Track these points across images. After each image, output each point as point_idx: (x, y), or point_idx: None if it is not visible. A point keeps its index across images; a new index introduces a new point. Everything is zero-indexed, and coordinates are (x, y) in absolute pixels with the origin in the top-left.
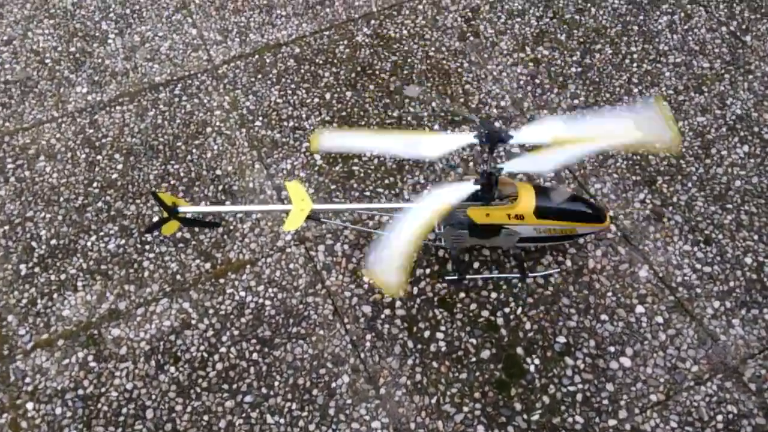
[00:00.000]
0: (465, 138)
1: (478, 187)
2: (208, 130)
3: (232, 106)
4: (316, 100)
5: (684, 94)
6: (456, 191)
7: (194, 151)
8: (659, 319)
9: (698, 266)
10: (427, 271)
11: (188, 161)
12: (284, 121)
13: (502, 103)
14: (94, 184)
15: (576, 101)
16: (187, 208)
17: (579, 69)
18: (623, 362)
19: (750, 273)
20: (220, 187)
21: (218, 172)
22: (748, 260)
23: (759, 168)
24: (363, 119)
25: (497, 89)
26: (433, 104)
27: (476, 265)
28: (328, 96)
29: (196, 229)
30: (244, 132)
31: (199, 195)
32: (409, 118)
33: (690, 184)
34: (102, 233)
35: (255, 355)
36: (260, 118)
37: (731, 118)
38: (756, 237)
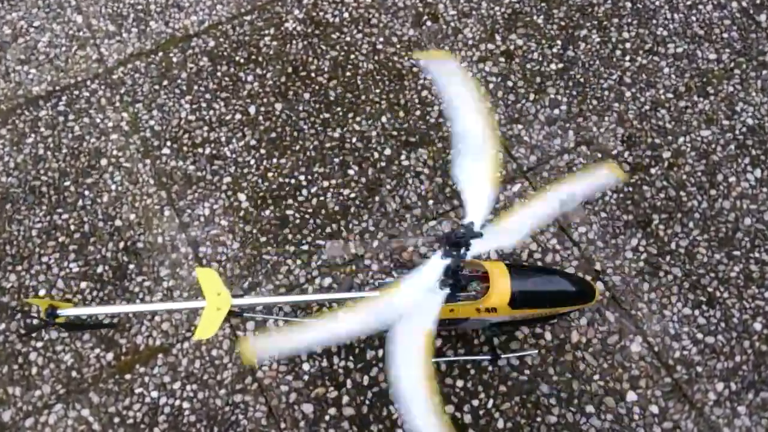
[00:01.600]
0: (434, 265)
1: (447, 291)
2: (103, 162)
3: (132, 127)
4: (238, 116)
5: (686, 97)
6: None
7: (86, 193)
8: (654, 409)
9: (699, 336)
10: (380, 352)
11: (79, 208)
12: (198, 147)
13: None
14: None
15: (557, 111)
16: (69, 311)
17: (560, 65)
18: None
19: (759, 343)
20: (121, 245)
21: (118, 222)
22: (758, 326)
23: None
24: (297, 142)
25: None
26: (383, 119)
27: (438, 343)
28: (252, 110)
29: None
30: (149, 164)
31: (95, 256)
32: (353, 140)
33: (691, 225)
34: None
35: None
36: (168, 144)
37: (741, 131)
38: (767, 294)
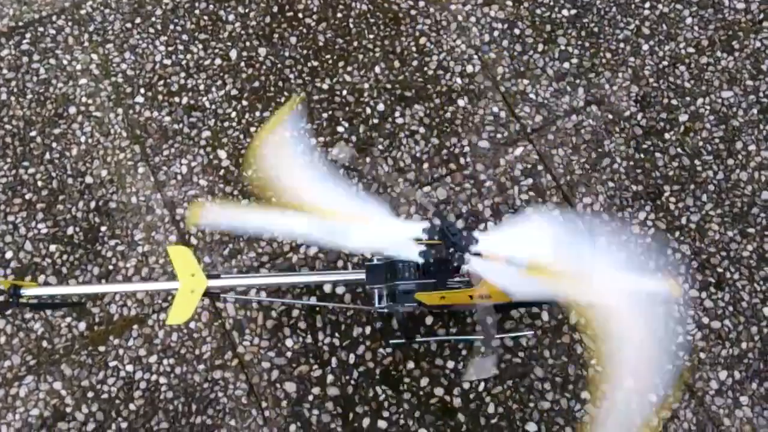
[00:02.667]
0: (409, 230)
1: (421, 260)
2: (72, 110)
3: (103, 71)
4: (218, 60)
5: (708, 53)
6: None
7: (54, 145)
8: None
9: (705, 320)
10: (367, 330)
11: (47, 162)
12: (175, 96)
13: (469, 69)
14: None
15: (566, 65)
16: (34, 291)
17: (573, 11)
18: None
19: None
20: (92, 204)
21: (88, 178)
22: (767, 311)
23: None
24: (283, 93)
25: (463, 45)
26: (377, 68)
27: (429, 320)
28: (233, 54)
29: (64, 271)
30: (121, 114)
31: (65, 216)
32: (344, 93)
33: (705, 197)
34: None
35: None
36: (142, 91)
37: (765, 93)
38: None
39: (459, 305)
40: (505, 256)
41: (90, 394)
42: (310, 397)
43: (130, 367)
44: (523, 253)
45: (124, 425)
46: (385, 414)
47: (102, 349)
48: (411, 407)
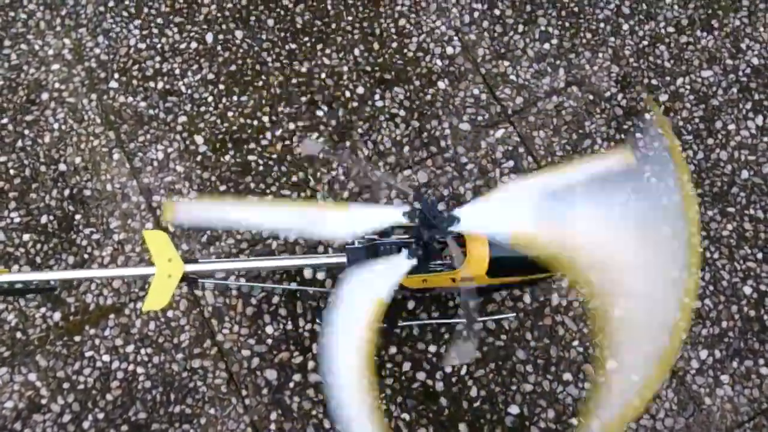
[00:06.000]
0: (390, 215)
1: (414, 262)
2: (44, 96)
3: (76, 56)
4: (194, 44)
5: (688, 32)
6: (391, 272)
7: (27, 132)
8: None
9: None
10: None
11: (19, 150)
12: (150, 80)
13: (449, 50)
14: None
15: (547, 46)
16: (5, 277)
17: None
18: None
19: (748, 309)
20: (66, 192)
21: (62, 166)
22: (747, 290)
23: None
24: (260, 77)
25: (443, 26)
26: (356, 51)
27: (411, 305)
28: (209, 38)
29: (38, 261)
30: (95, 99)
31: (38, 205)
32: (323, 76)
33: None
34: None
35: None
36: (116, 76)
37: (745, 72)
38: (760, 255)
39: (441, 288)
40: (486, 232)
41: (66, 385)
42: (291, 384)
43: (106, 357)
44: (505, 226)
45: (101, 416)
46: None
47: (78, 339)
48: (393, 392)
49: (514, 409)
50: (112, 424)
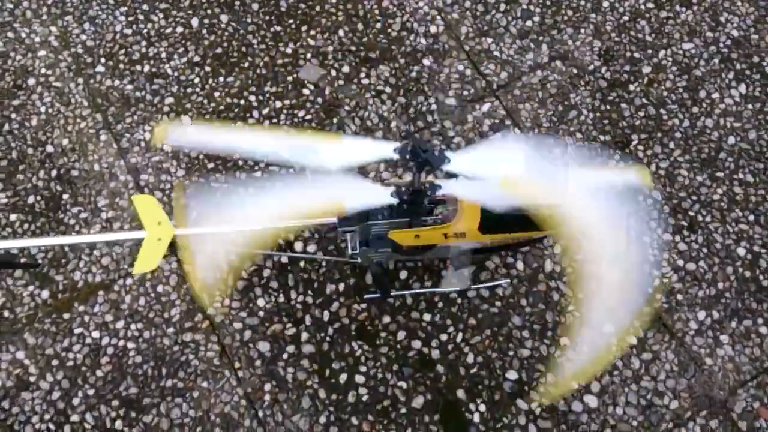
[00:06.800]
0: (381, 150)
1: (396, 200)
2: (31, 81)
3: (62, 42)
4: (180, 29)
5: (667, 7)
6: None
7: (14, 116)
8: (632, 340)
9: (680, 263)
10: (341, 287)
11: (6, 133)
12: (136, 64)
13: (432, 29)
14: None
15: (529, 23)
16: None
17: None
18: (588, 402)
19: (743, 269)
20: (54, 173)
21: (49, 148)
22: (741, 251)
23: (758, 118)
24: (246, 58)
25: (426, 6)
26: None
27: (403, 275)
28: (195, 22)
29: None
30: (82, 83)
31: (25, 186)
32: (308, 56)
33: (672, 145)
34: None
35: (118, 423)
36: (102, 61)
37: (725, 44)
38: (751, 217)
39: (434, 247)
40: (478, 174)
41: (55, 362)
42: (285, 356)
43: (96, 334)
44: (496, 170)
45: (91, 392)
46: (363, 369)
47: (66, 316)
48: (389, 361)
49: (512, 375)
50: (103, 399)
